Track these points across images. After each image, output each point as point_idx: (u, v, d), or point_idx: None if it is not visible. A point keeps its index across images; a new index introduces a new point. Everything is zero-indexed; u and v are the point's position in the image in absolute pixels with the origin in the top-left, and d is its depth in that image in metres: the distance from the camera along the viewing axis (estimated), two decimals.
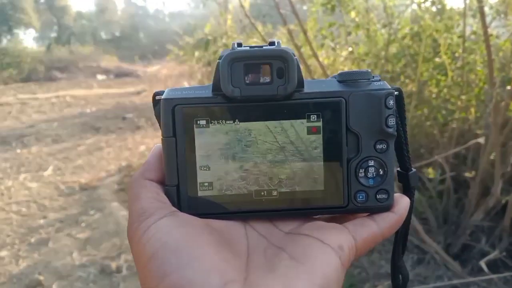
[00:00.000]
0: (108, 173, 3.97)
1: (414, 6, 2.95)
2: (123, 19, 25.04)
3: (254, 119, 0.36)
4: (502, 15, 2.32)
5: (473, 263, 2.19)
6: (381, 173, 0.37)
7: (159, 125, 0.37)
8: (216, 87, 0.36)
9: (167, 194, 0.36)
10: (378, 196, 0.37)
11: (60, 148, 4.99)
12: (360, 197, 0.37)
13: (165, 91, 0.37)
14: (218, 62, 0.35)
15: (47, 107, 7.86)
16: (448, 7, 2.80)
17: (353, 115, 0.36)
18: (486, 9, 2.82)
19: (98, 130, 5.69)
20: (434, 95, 2.68)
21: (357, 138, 0.37)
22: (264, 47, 0.36)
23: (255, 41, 3.50)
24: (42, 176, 4.10)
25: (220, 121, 0.36)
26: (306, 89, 0.36)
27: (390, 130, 0.36)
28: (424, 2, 2.74)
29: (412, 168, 0.41)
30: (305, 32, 2.22)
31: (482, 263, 1.90)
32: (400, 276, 0.43)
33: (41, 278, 2.41)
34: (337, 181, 0.37)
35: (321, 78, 0.41)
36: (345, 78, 0.37)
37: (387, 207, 0.37)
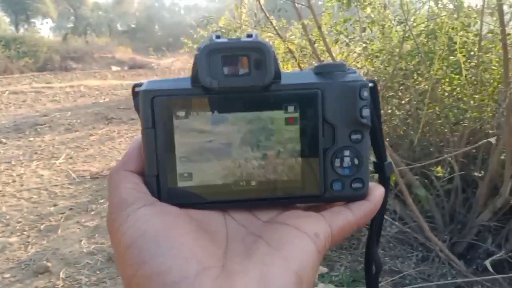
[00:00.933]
0: None
1: (431, 3, 2.89)
2: (139, 11, 25.16)
3: (232, 110, 0.36)
4: None
5: (478, 263, 2.16)
6: (356, 162, 0.38)
7: (139, 116, 0.37)
8: (195, 79, 0.36)
9: (146, 184, 0.37)
10: (353, 185, 0.38)
11: (73, 137, 5.04)
12: (336, 186, 0.38)
13: (144, 82, 0.37)
14: (196, 54, 0.36)
15: (62, 96, 7.95)
16: (465, 5, 2.75)
17: (329, 106, 0.37)
18: (505, 7, 2.77)
19: (110, 120, 5.74)
20: (446, 94, 2.64)
21: (332, 129, 0.38)
22: (242, 39, 0.36)
23: (268, 36, 3.48)
24: (54, 164, 4.16)
25: (198, 112, 0.36)
26: (283, 80, 0.37)
27: (364, 120, 0.37)
28: None
29: (388, 159, 0.42)
30: (319, 27, 2.19)
31: (487, 263, 1.87)
32: (374, 265, 0.44)
33: (49, 264, 2.44)
34: (313, 171, 0.38)
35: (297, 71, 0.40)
36: (320, 70, 0.38)
37: (362, 195, 0.38)
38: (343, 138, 0.38)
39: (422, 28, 2.94)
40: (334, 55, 2.44)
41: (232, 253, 0.33)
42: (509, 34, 2.53)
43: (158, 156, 0.36)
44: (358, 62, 3.26)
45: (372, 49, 3.04)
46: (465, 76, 2.47)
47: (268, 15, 2.84)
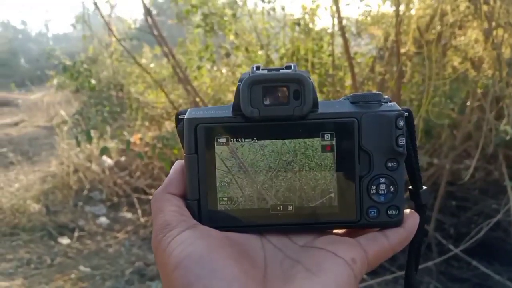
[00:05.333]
0: None
1: (287, 29, 3.05)
2: (0, 44, 22.97)
3: (271, 138, 0.38)
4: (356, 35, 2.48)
5: None
6: (392, 190, 0.39)
7: (181, 143, 0.40)
8: (236, 107, 0.38)
9: (188, 207, 0.39)
10: (389, 212, 0.39)
11: None
12: (372, 212, 0.39)
13: (188, 110, 0.40)
14: (239, 85, 0.38)
15: None
16: (317, 28, 2.95)
17: (365, 134, 0.38)
18: (353, 29, 3.02)
19: None
20: None
21: (369, 157, 0.39)
22: (281, 71, 0.38)
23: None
24: None
25: (239, 139, 0.38)
26: (321, 109, 0.39)
27: (400, 149, 0.38)
28: (295, 25, 2.84)
29: (423, 186, 0.42)
30: (173, 56, 2.15)
31: None
32: None
33: None
34: (350, 197, 0.39)
35: (333, 100, 0.46)
36: (357, 100, 0.39)
37: (397, 222, 0.39)
38: (379, 165, 0.39)
39: (283, 51, 3.07)
40: (197, 82, 2.43)
41: (271, 277, 0.34)
42: (356, 53, 2.75)
43: (199, 180, 0.39)
44: (228, 86, 3.30)
45: (241, 73, 3.10)
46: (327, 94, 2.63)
47: (124, 43, 2.73)
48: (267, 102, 0.38)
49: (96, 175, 3.81)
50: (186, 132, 0.39)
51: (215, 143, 0.38)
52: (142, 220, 3.20)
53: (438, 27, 1.95)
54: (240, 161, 0.39)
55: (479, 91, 1.97)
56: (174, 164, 0.41)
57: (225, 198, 0.39)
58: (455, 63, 2.00)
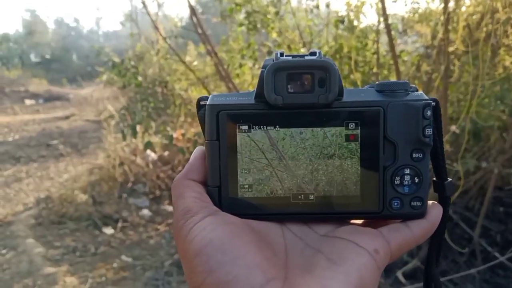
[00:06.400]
0: (25, 206, 3.68)
1: (331, 26, 3.01)
2: (54, 41, 24.08)
3: (294, 126, 0.38)
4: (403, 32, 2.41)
5: (395, 274, 2.21)
6: (416, 181, 0.38)
7: (202, 129, 0.39)
8: (259, 94, 0.38)
9: (209, 194, 0.38)
10: (412, 204, 0.38)
11: None
12: (395, 203, 0.38)
13: (210, 97, 0.39)
14: (262, 71, 0.37)
15: None
16: (362, 25, 2.89)
17: (390, 124, 0.37)
18: (400, 26, 2.94)
19: (18, 160, 5.30)
20: None
21: (394, 147, 0.38)
22: (306, 57, 0.37)
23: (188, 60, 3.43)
24: None
25: (261, 126, 0.38)
26: (345, 98, 0.38)
27: (427, 140, 0.37)
28: (339, 23, 2.80)
29: (448, 178, 0.41)
30: (215, 54, 2.18)
31: (399, 274, 1.91)
32: (433, 285, 0.44)
33: None
34: (373, 188, 0.38)
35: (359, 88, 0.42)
36: (383, 88, 0.38)
37: (420, 214, 0.38)
38: (404, 156, 0.38)
39: (327, 49, 3.04)
40: (239, 80, 2.45)
41: (292, 265, 0.34)
42: (402, 51, 2.68)
43: (220, 167, 0.38)
44: None
45: None
46: None
47: (169, 42, 2.79)
48: (291, 89, 0.37)
49: (140, 169, 3.93)
50: (208, 119, 0.38)
51: (237, 130, 0.38)
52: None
53: (489, 25, 1.86)
54: (261, 149, 0.38)
55: None
56: (195, 150, 0.41)
57: (246, 186, 0.38)
58: (507, 63, 1.91)
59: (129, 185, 3.83)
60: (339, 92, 0.37)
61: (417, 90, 0.39)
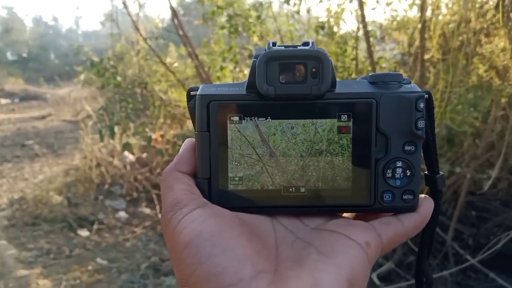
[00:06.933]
0: None
1: (311, 32, 3.05)
2: (32, 39, 23.60)
3: (286, 117, 0.37)
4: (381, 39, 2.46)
5: (369, 276, 2.23)
6: (408, 174, 0.38)
7: (192, 120, 0.39)
8: (250, 84, 0.37)
9: (198, 186, 0.38)
10: (404, 197, 0.38)
11: None
12: (387, 197, 0.38)
13: (200, 87, 0.38)
14: (254, 61, 0.36)
15: None
16: (342, 32, 2.94)
17: (383, 116, 0.37)
18: (378, 33, 2.99)
19: None
20: None
21: (386, 139, 0.37)
22: (298, 47, 0.37)
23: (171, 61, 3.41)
24: None
25: (253, 117, 0.37)
26: (338, 89, 0.37)
27: (419, 132, 0.37)
28: (319, 28, 2.84)
29: (440, 172, 0.41)
30: (196, 56, 2.18)
31: (374, 276, 1.94)
32: (424, 279, 0.44)
33: None
34: (364, 180, 0.38)
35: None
36: (376, 80, 0.38)
37: (412, 207, 0.38)
38: (396, 149, 0.37)
39: None
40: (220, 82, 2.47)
41: (283, 257, 0.34)
42: (381, 58, 2.73)
43: (210, 159, 0.38)
44: None
45: None
46: None
47: (150, 42, 2.78)
48: (283, 79, 0.36)
49: (117, 170, 3.88)
50: (198, 109, 0.37)
51: (227, 121, 0.37)
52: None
53: (464, 35, 1.92)
54: (253, 140, 0.37)
55: (503, 100, 1.93)
56: (185, 142, 0.40)
57: (236, 178, 0.38)
58: (480, 71, 1.96)
59: (106, 186, 3.78)
60: (332, 83, 0.36)
61: (410, 82, 0.38)
